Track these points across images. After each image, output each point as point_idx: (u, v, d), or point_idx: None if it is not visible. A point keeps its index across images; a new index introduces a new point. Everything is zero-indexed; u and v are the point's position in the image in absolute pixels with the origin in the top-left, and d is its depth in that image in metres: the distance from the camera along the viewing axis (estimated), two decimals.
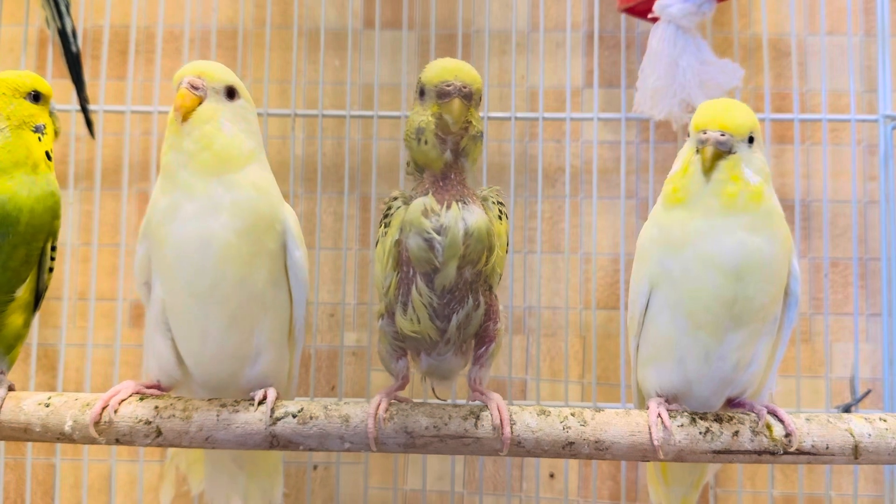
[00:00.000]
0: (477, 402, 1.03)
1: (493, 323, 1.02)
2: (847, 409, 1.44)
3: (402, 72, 1.59)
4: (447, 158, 0.96)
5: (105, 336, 1.56)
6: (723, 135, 1.00)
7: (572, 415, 1.00)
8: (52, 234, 1.09)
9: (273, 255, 1.03)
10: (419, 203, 0.96)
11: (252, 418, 1.00)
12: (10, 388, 1.05)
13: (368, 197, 1.58)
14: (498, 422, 0.98)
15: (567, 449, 0.99)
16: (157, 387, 1.06)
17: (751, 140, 1.02)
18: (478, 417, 0.99)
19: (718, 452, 1.00)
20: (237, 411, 1.00)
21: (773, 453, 1.00)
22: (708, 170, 1.00)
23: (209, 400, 1.02)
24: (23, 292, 1.07)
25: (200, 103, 1.00)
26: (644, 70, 1.46)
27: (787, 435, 1.01)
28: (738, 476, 1.54)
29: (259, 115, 1.54)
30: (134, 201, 1.60)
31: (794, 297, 1.06)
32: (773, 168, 1.59)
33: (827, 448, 1.01)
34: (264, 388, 1.03)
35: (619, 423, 1.00)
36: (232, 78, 1.03)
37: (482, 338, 1.02)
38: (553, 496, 1.56)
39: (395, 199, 1.01)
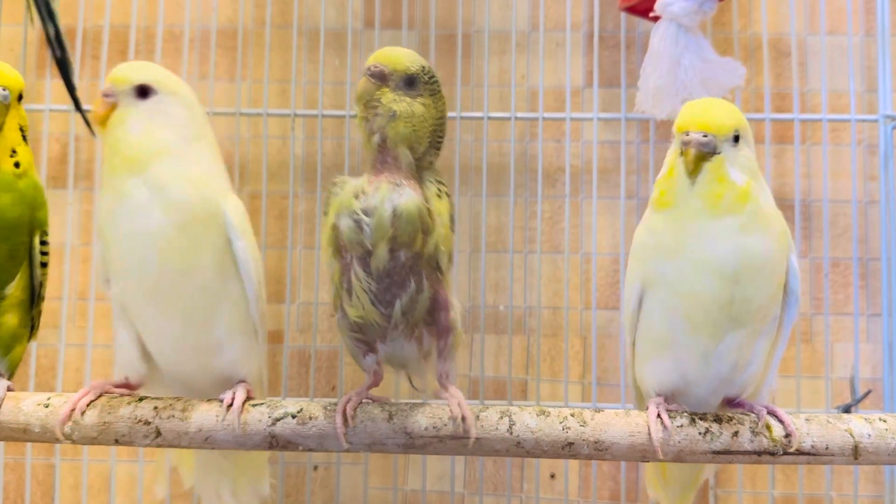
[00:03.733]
0: (476, 403, 1.03)
1: (444, 312, 1.01)
2: (847, 410, 1.44)
3: None
4: (375, 142, 0.98)
5: (105, 336, 1.55)
6: (705, 136, 0.98)
7: (572, 415, 1.00)
8: (37, 226, 1.09)
9: (218, 247, 1.02)
10: (352, 185, 0.97)
11: (251, 419, 1.00)
12: (9, 389, 1.05)
13: None
14: (458, 413, 0.98)
15: (567, 449, 0.99)
16: (126, 385, 1.06)
17: (736, 139, 1.00)
18: (477, 418, 0.99)
19: (718, 453, 1.00)
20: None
21: (772, 454, 1.00)
22: (692, 172, 0.98)
23: (208, 400, 1.02)
24: (14, 290, 1.06)
25: (115, 109, 1.03)
26: (646, 69, 1.45)
27: (787, 435, 1.00)
28: (738, 476, 1.54)
29: (259, 115, 1.55)
30: None
31: (793, 295, 1.05)
32: (772, 168, 1.59)
33: (826, 448, 1.00)
34: (234, 388, 1.02)
35: (619, 423, 1.00)
36: (143, 75, 1.04)
37: (439, 330, 1.01)
38: (553, 496, 1.56)
39: (335, 184, 1.01)
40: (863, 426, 1.02)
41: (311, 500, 1.58)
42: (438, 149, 1.03)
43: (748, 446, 1.00)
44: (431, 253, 0.97)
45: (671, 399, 1.05)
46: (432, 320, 1.01)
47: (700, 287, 0.98)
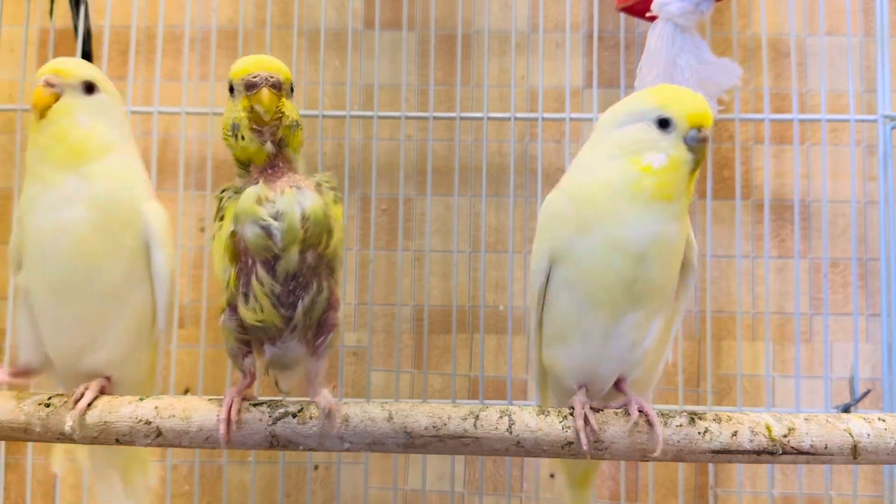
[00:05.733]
0: (476, 402, 1.03)
1: (333, 311, 1.01)
2: (846, 409, 1.44)
3: (402, 72, 1.60)
4: (269, 150, 0.97)
5: None
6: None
7: (571, 414, 1.00)
8: None
9: (132, 253, 1.03)
10: (251, 192, 0.96)
11: (252, 418, 1.00)
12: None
13: (368, 197, 1.58)
14: (326, 413, 0.99)
15: (566, 449, 0.99)
16: (25, 372, 1.08)
17: None
18: (477, 417, 1.00)
19: (717, 452, 1.00)
20: (237, 411, 1.00)
21: (771, 453, 1.00)
22: (697, 170, 0.98)
23: (209, 399, 1.03)
24: None
25: (58, 100, 1.03)
26: (642, 69, 1.46)
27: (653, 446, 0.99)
28: (737, 476, 1.54)
29: None
30: None
31: (691, 267, 1.04)
32: (772, 168, 1.60)
33: (826, 448, 1.00)
34: (88, 383, 1.03)
35: (619, 422, 1.00)
36: (90, 73, 1.06)
37: (322, 327, 1.02)
38: (553, 496, 1.57)
39: (226, 190, 1.00)
40: (862, 426, 1.02)
41: (311, 499, 1.58)
42: None
43: (747, 446, 1.00)
44: (332, 255, 0.98)
45: (587, 386, 1.03)
46: (322, 320, 1.01)
47: (607, 264, 0.97)
